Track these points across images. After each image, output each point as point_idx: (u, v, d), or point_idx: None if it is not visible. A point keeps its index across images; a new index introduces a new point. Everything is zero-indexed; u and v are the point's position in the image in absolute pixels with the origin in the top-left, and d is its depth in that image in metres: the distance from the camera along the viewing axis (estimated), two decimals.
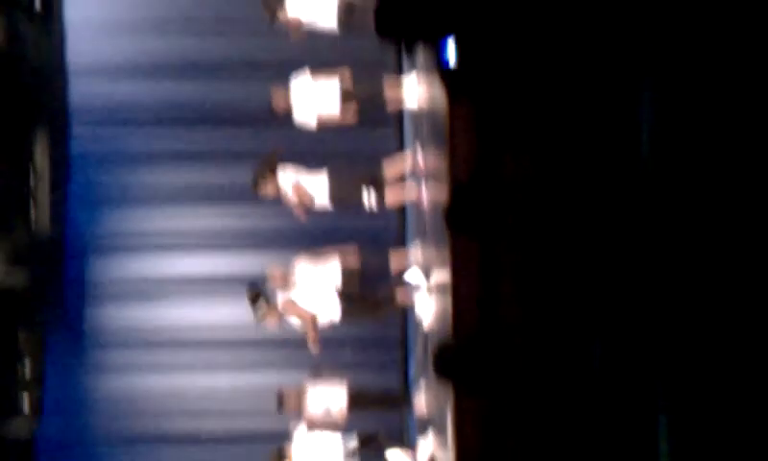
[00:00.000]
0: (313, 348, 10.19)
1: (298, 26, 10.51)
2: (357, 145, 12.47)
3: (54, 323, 13.31)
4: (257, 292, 10.21)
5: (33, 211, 12.98)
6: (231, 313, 13.42)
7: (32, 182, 13.00)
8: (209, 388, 13.40)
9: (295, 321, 10.11)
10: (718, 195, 2.82)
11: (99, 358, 13.48)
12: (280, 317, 10.12)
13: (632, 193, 3.19)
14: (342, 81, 10.66)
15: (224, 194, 13.38)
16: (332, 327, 12.73)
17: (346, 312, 10.29)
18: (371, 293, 10.75)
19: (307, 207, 10.37)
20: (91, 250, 13.52)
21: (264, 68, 13.03)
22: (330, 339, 12.72)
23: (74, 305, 13.48)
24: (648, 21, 3.04)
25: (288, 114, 10.91)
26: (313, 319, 10.05)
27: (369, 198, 10.32)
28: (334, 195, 10.35)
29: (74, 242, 13.51)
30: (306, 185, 10.36)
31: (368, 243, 12.60)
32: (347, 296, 10.35)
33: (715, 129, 2.78)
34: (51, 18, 13.27)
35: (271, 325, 10.16)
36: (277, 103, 10.76)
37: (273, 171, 10.47)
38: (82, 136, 13.50)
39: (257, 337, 13.27)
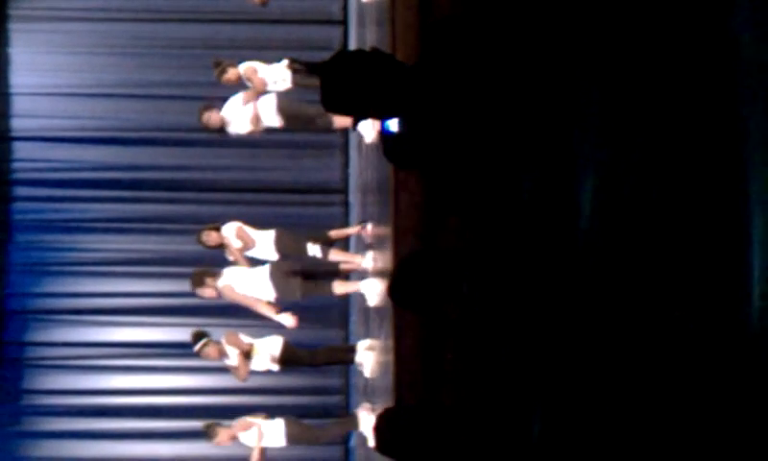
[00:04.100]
0: (240, 378, 10.26)
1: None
2: (303, 216, 12.58)
3: None
4: (201, 333, 10.25)
5: None
6: (172, 381, 13.35)
7: None
8: (149, 456, 13.26)
9: (232, 354, 10.10)
10: (659, 271, 2.86)
11: (36, 425, 13.31)
12: (221, 351, 10.12)
13: (571, 267, 3.22)
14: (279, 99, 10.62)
15: (164, 260, 13.34)
16: (274, 393, 12.75)
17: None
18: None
19: (249, 247, 10.33)
20: (30, 315, 13.39)
21: (210, 135, 13.08)
22: (271, 407, 12.68)
23: (12, 371, 13.31)
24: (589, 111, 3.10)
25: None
26: (248, 352, 10.08)
27: (313, 249, 10.33)
28: (279, 247, 10.33)
29: (13, 306, 13.37)
30: (249, 232, 10.35)
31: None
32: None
33: (655, 212, 2.82)
34: None
35: (211, 355, 10.15)
36: (208, 120, 10.63)
37: (217, 228, 10.45)
38: (23, 201, 13.41)
39: (198, 405, 13.21)
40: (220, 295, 10.21)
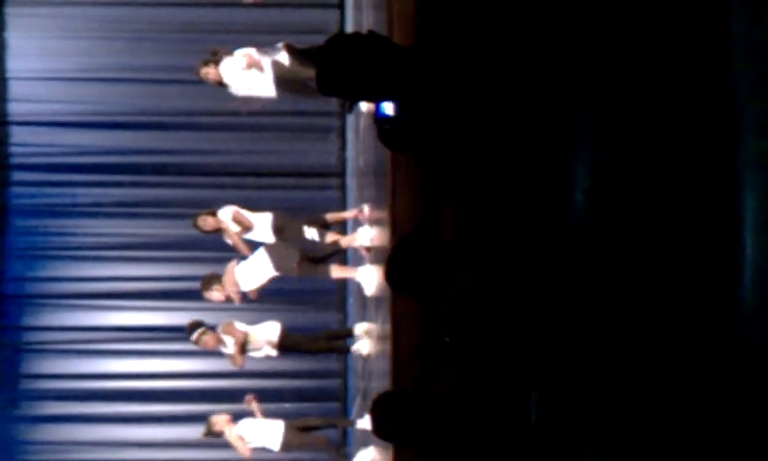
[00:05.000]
0: (237, 366, 10.32)
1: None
2: (300, 200, 12.58)
3: None
4: (198, 322, 10.30)
5: None
6: (170, 365, 13.35)
7: None
8: (146, 440, 13.28)
9: (228, 343, 10.14)
10: (652, 255, 2.86)
11: (33, 410, 13.31)
12: (217, 339, 10.16)
13: (565, 252, 3.22)
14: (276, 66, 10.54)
15: (162, 244, 13.33)
16: (272, 376, 12.77)
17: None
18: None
19: (247, 230, 10.34)
20: (27, 299, 13.38)
21: (208, 119, 13.07)
22: (269, 390, 12.71)
23: (9, 355, 13.32)
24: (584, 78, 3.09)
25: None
26: (244, 341, 10.12)
27: (310, 232, 10.33)
28: (276, 227, 10.33)
29: (10, 291, 13.37)
30: (246, 215, 10.35)
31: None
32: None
33: (647, 197, 2.82)
34: None
35: (208, 344, 10.19)
36: (206, 75, 10.57)
37: (213, 213, 10.45)
38: (20, 186, 13.40)
39: (195, 389, 13.23)
40: (227, 300, 10.24)
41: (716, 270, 2.54)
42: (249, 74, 10.38)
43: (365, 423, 9.51)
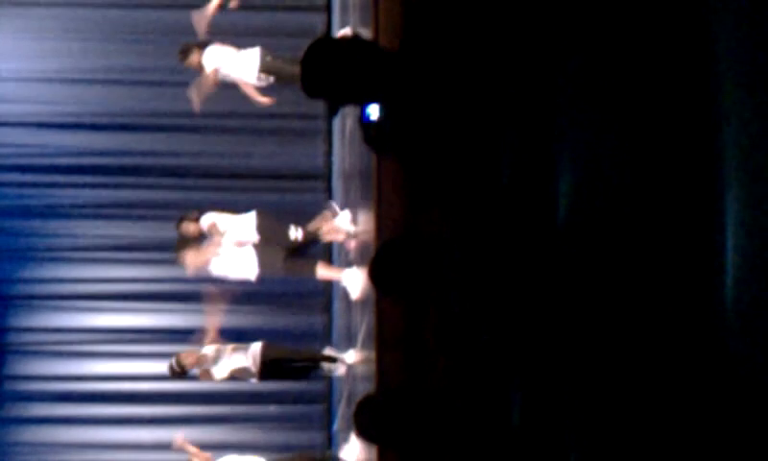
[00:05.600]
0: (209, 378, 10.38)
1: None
2: (286, 203, 12.57)
3: None
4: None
5: None
6: (155, 367, 13.32)
7: None
8: (131, 442, 13.25)
9: (225, 363, 10.16)
10: (635, 258, 2.87)
11: (17, 411, 13.27)
12: (198, 357, 10.20)
13: (549, 255, 3.24)
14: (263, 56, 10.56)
15: (146, 246, 13.31)
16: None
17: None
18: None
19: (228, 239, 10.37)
20: (12, 300, 13.34)
21: (192, 121, 13.04)
22: (253, 394, 12.69)
23: None
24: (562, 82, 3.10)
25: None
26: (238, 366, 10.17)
27: (295, 232, 10.36)
28: (260, 227, 10.36)
29: None
30: (226, 221, 10.38)
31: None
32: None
33: (633, 193, 2.83)
34: None
35: (188, 361, 10.23)
36: (190, 64, 10.58)
37: (195, 219, 10.47)
38: (4, 187, 13.35)
39: (180, 391, 13.19)
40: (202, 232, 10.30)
41: (698, 272, 2.56)
42: (233, 57, 10.43)
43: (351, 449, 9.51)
